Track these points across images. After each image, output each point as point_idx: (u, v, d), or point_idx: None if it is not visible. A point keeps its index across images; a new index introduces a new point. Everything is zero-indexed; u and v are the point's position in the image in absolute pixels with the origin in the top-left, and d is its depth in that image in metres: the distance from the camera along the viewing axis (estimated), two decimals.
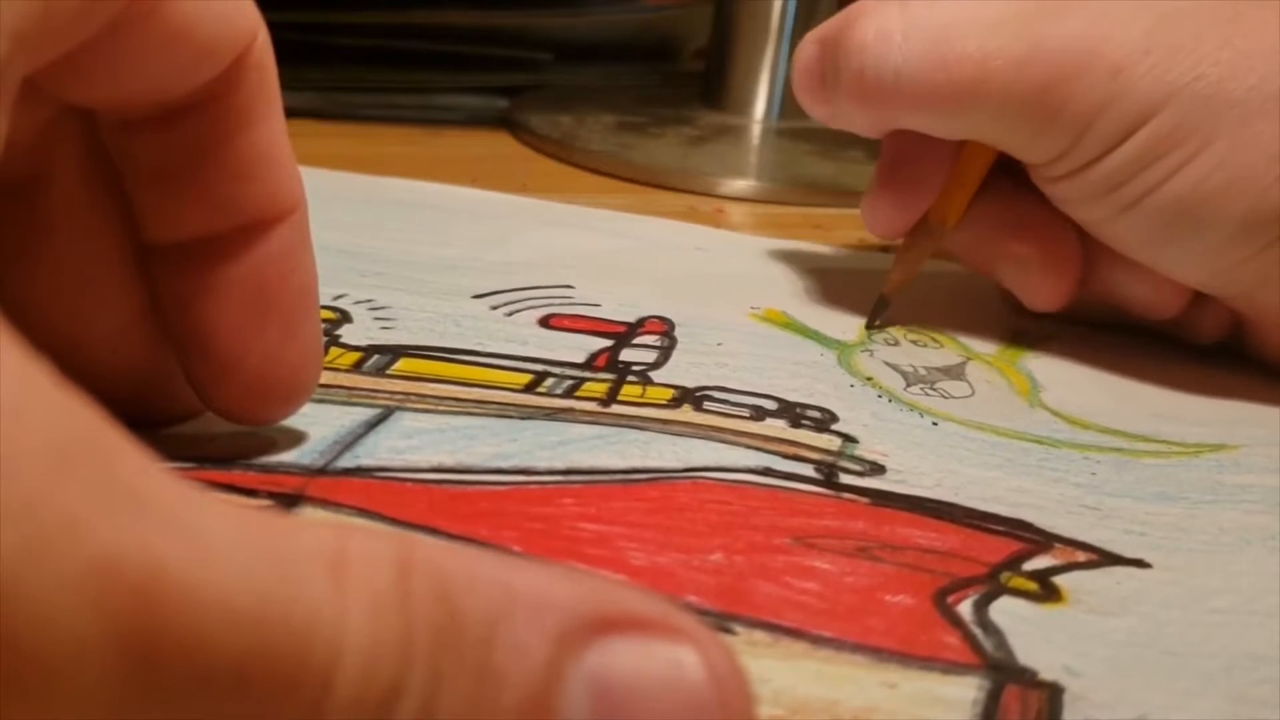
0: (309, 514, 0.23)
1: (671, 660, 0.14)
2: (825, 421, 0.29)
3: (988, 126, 0.33)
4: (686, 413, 0.29)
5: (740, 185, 0.48)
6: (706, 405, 0.29)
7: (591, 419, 0.28)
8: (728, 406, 0.29)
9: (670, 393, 0.30)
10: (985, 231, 0.36)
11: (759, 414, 0.29)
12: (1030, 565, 0.24)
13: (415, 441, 0.26)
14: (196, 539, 0.12)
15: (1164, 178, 0.32)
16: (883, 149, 0.36)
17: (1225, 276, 0.33)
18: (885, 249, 0.43)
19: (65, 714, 0.12)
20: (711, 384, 0.30)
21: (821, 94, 0.35)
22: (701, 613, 0.22)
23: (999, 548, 0.25)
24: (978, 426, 0.30)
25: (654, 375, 0.31)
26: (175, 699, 0.12)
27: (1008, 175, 0.36)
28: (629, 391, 0.30)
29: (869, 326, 0.36)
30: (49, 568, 0.11)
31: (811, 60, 0.35)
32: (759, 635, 0.21)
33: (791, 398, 0.30)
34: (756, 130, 0.55)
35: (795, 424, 0.29)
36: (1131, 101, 0.31)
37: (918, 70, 0.33)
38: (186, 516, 0.12)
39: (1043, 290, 0.35)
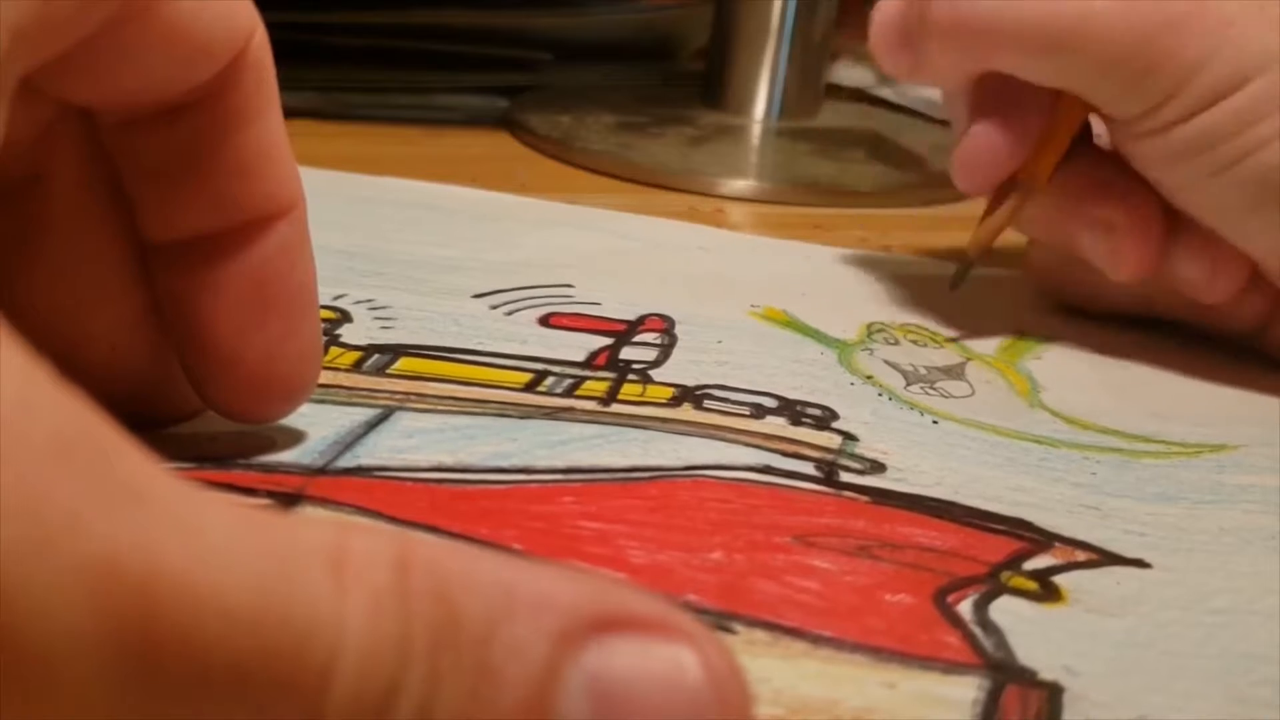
0: (309, 513, 0.23)
1: (670, 660, 0.14)
2: (825, 419, 0.29)
3: (1085, 73, 0.32)
4: (687, 411, 0.29)
5: (740, 185, 0.48)
6: (707, 403, 0.29)
7: (592, 418, 0.28)
8: (728, 405, 0.29)
9: (670, 391, 0.30)
10: (1069, 196, 0.35)
11: (759, 412, 0.29)
12: (1030, 565, 0.24)
13: (415, 441, 0.26)
14: (196, 537, 0.12)
15: (1260, 143, 0.31)
16: (974, 95, 0.35)
17: None
18: (887, 248, 0.43)
19: (63, 710, 0.12)
20: (712, 382, 0.30)
21: (903, 42, 0.35)
22: (701, 611, 0.22)
23: (999, 547, 0.25)
24: (978, 426, 0.30)
25: (654, 374, 0.31)
26: (173, 696, 0.12)
27: (1085, 143, 0.35)
28: (629, 390, 0.30)
29: (952, 287, 0.35)
30: (48, 564, 0.11)
31: (893, 13, 0.35)
32: (759, 634, 0.21)
33: (792, 395, 0.30)
34: (756, 130, 0.55)
35: (795, 422, 0.29)
36: (1238, 56, 0.30)
37: (1018, 8, 0.32)
38: (186, 514, 0.12)
39: (1129, 257, 0.34)
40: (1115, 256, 0.35)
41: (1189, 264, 0.34)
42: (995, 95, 0.35)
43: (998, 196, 0.35)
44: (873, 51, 0.36)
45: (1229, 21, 0.30)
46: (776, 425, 0.29)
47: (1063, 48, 0.32)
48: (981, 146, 0.35)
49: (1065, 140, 0.35)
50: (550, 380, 0.30)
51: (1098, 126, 0.36)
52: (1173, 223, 0.34)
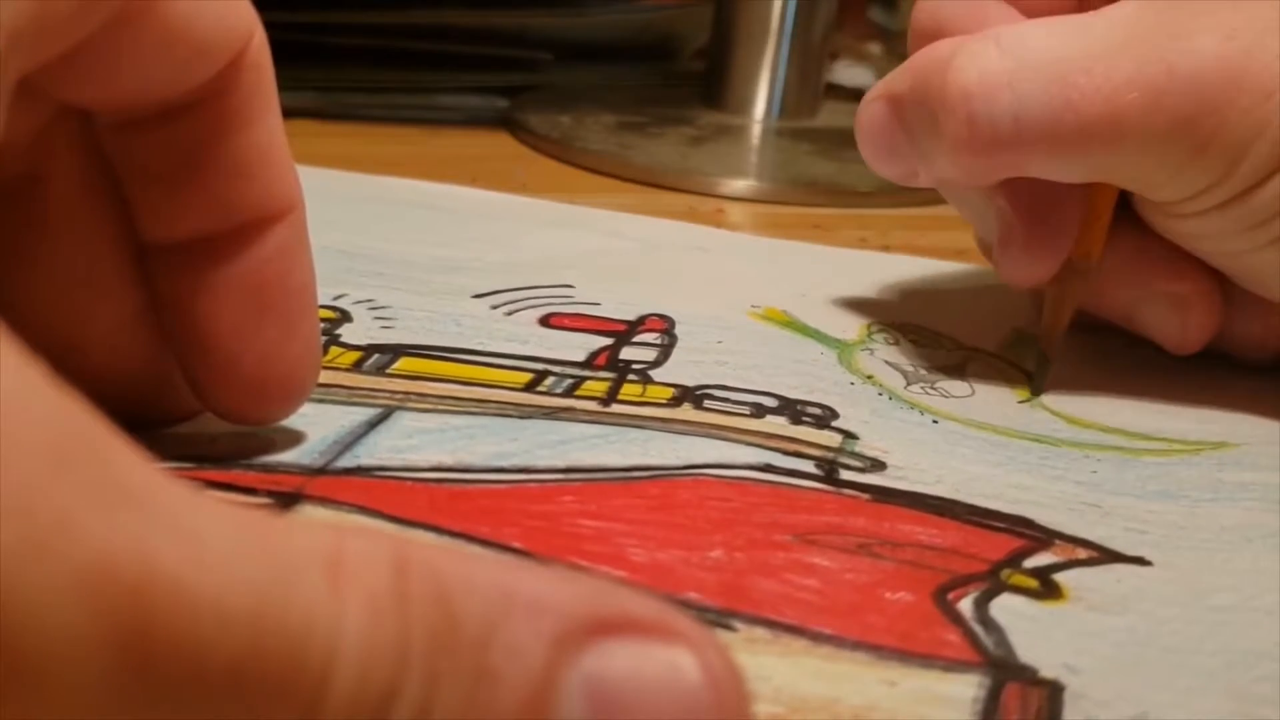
0: (309, 512, 0.23)
1: (668, 663, 0.14)
2: (825, 418, 0.29)
3: (1122, 166, 0.30)
4: (687, 411, 0.29)
5: (740, 185, 0.48)
6: (707, 403, 0.29)
7: (592, 418, 0.28)
8: (728, 404, 0.29)
9: (670, 391, 0.30)
10: (1127, 271, 0.33)
11: (759, 411, 0.29)
12: (1031, 562, 0.24)
13: (415, 441, 0.26)
14: (192, 539, 0.12)
15: None
16: (1006, 195, 0.33)
17: None
18: (886, 248, 0.43)
19: (59, 714, 0.12)
20: (712, 382, 0.30)
21: (908, 151, 0.32)
22: (702, 610, 0.22)
23: (1000, 545, 0.25)
24: (978, 425, 0.30)
25: (654, 374, 0.31)
26: (170, 699, 0.12)
27: (1125, 207, 0.33)
28: (629, 390, 0.30)
29: (1035, 394, 0.33)
30: (44, 567, 0.11)
31: (881, 120, 0.33)
32: (759, 632, 0.21)
33: (792, 395, 0.30)
34: (756, 130, 0.55)
35: (795, 421, 0.29)
36: None
37: (1041, 113, 0.29)
38: (182, 516, 0.12)
39: (1194, 329, 0.33)
40: (1181, 330, 0.33)
41: (1246, 324, 0.33)
42: (1024, 187, 0.32)
43: (1058, 281, 0.33)
44: (866, 159, 0.34)
45: (1268, 94, 0.28)
46: (777, 424, 0.29)
47: (1096, 148, 0.29)
48: (1027, 251, 0.33)
49: (1108, 214, 0.33)
50: (550, 380, 0.30)
51: None
52: (1152, 273, 0.33)
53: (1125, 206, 0.33)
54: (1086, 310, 0.35)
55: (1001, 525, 0.26)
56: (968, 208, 0.36)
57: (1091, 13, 0.30)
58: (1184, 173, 0.29)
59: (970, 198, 0.35)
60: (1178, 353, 0.33)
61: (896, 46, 0.69)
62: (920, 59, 0.32)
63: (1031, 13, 0.32)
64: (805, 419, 0.29)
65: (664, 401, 0.29)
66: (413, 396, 0.28)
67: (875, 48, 0.71)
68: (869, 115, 0.33)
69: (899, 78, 0.32)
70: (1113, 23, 0.30)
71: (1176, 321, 0.33)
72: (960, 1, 0.33)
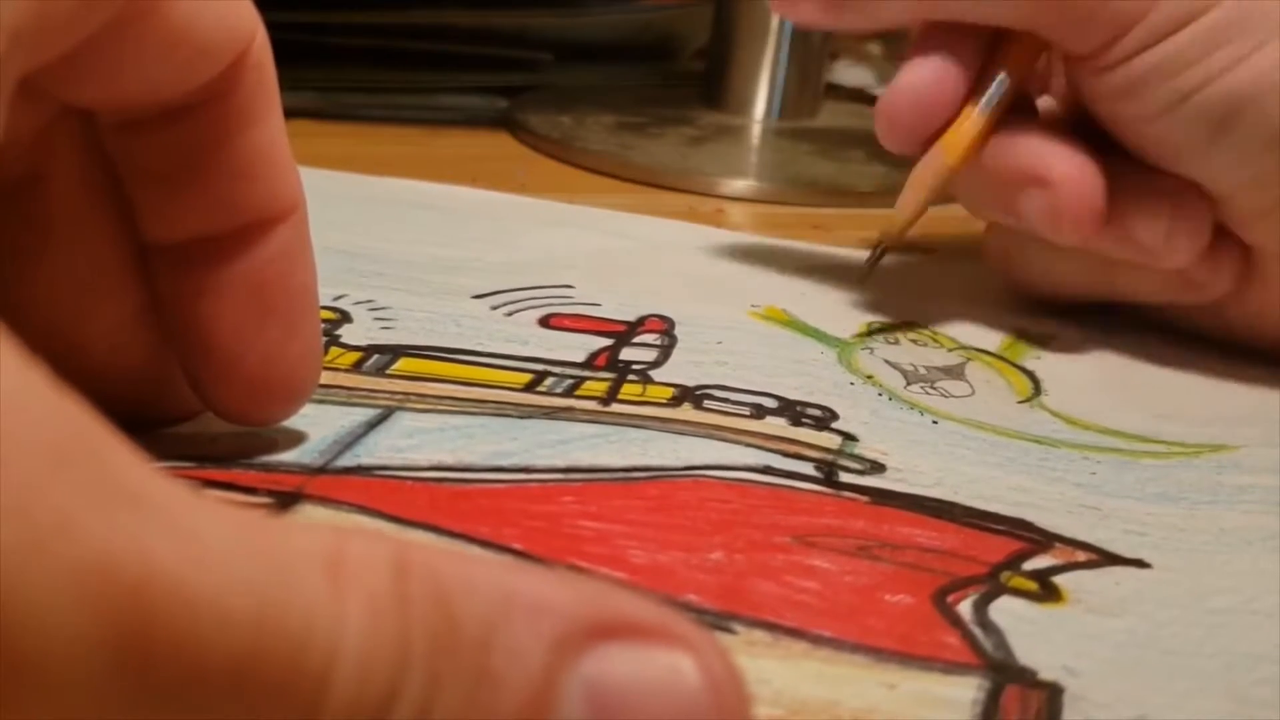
0: (309, 512, 0.23)
1: (668, 666, 0.14)
2: (825, 420, 0.29)
3: (1039, 9, 0.32)
4: (687, 411, 0.29)
5: (740, 185, 0.48)
6: (707, 404, 0.29)
7: (592, 418, 0.28)
8: (728, 405, 0.29)
9: (670, 391, 0.30)
10: (1003, 163, 0.34)
11: (759, 412, 0.29)
12: (1030, 565, 0.24)
13: (415, 441, 0.26)
14: (192, 540, 0.12)
15: (1220, 70, 0.31)
16: (913, 46, 0.35)
17: (1266, 184, 0.32)
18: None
19: (59, 713, 0.12)
20: (712, 382, 0.30)
21: None
22: (701, 612, 0.22)
23: (999, 547, 0.25)
24: (978, 426, 0.30)
25: (654, 374, 0.31)
26: (170, 700, 0.12)
27: (1023, 116, 0.35)
28: (629, 390, 0.30)
29: (862, 280, 0.34)
30: (43, 567, 0.11)
31: None
32: (759, 635, 0.21)
33: (792, 396, 0.30)
34: (756, 130, 0.55)
35: (795, 422, 0.29)
36: None
37: None
38: (182, 517, 0.12)
39: (1070, 212, 0.33)
40: (1056, 215, 0.33)
41: (1145, 226, 0.34)
42: (929, 42, 0.34)
43: (923, 164, 0.34)
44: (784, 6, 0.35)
45: None
46: (776, 426, 0.29)
47: None
48: (906, 99, 0.34)
49: (989, 118, 0.34)
50: (550, 380, 0.30)
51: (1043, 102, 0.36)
52: (1125, 186, 0.33)
53: (1026, 109, 0.34)
54: (981, 216, 0.37)
55: (1001, 528, 0.26)
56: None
57: None
58: (1092, 20, 0.31)
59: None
60: (1058, 240, 0.34)
61: (896, 47, 0.69)
62: None
63: None
64: (805, 420, 0.29)
65: (664, 402, 0.29)
66: (412, 397, 0.28)
67: (875, 48, 0.71)
68: None
69: None
70: None
71: (1047, 204, 0.33)
72: None
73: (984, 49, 0.34)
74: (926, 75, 0.34)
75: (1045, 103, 0.37)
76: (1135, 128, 0.33)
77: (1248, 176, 0.32)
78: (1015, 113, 0.34)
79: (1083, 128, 0.34)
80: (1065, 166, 0.33)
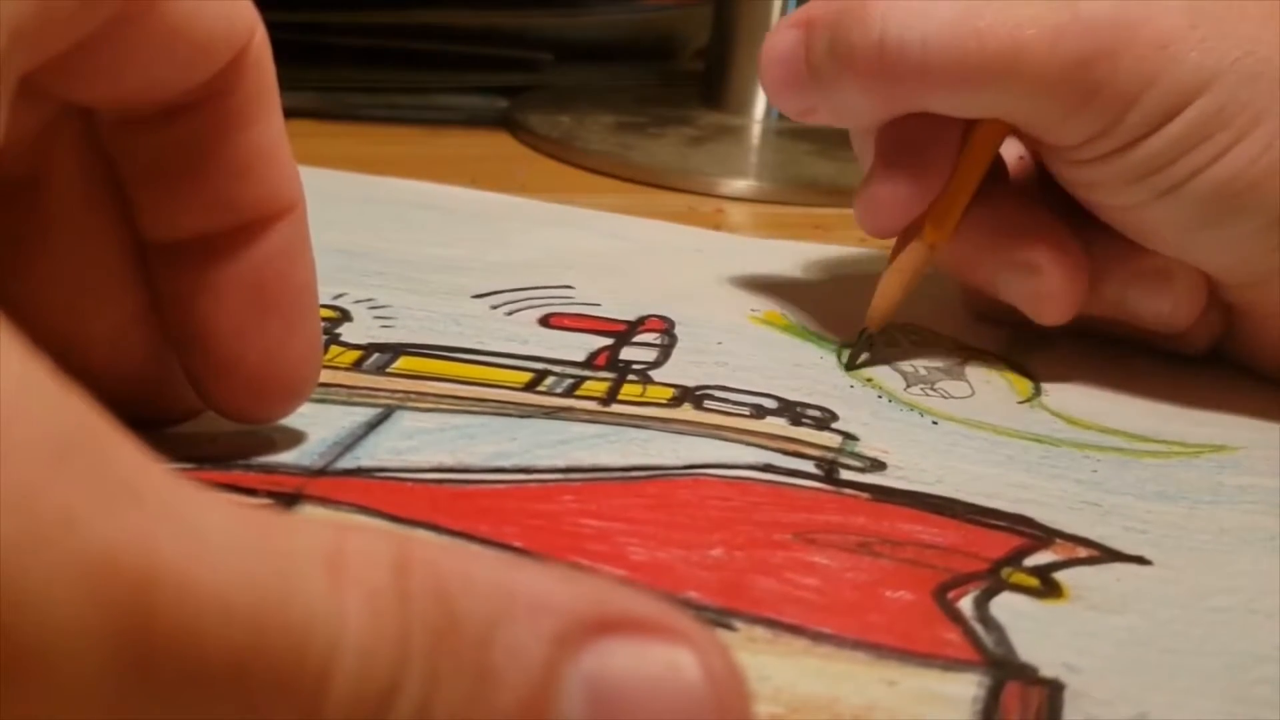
0: (308, 512, 0.23)
1: (668, 662, 0.14)
2: (825, 420, 0.29)
3: (1019, 103, 0.30)
4: (687, 411, 0.29)
5: (740, 185, 0.48)
6: (707, 404, 0.29)
7: (591, 418, 0.28)
8: (728, 405, 0.29)
9: (670, 392, 0.30)
10: (983, 239, 0.33)
11: (759, 412, 0.29)
12: (1031, 561, 0.24)
13: (415, 442, 0.26)
14: (194, 535, 0.12)
15: (1210, 160, 0.30)
16: (882, 136, 0.33)
17: (1255, 264, 0.31)
18: (887, 248, 0.43)
19: (62, 708, 0.12)
20: (712, 383, 0.30)
21: (810, 81, 0.32)
22: (701, 608, 0.22)
23: (1000, 543, 0.25)
24: (978, 426, 0.30)
25: (654, 374, 0.31)
26: (172, 694, 0.12)
27: (996, 181, 0.34)
28: (629, 390, 0.30)
29: (849, 368, 0.33)
30: (46, 561, 0.11)
31: (790, 46, 0.32)
32: (759, 631, 0.21)
33: (792, 397, 0.30)
34: (756, 130, 0.55)
35: (795, 422, 0.29)
36: (1178, 78, 0.29)
37: (949, 40, 0.30)
38: (184, 512, 0.12)
39: (1053, 300, 0.33)
40: (1039, 300, 0.33)
41: (1150, 298, 0.33)
42: (901, 132, 0.33)
43: (903, 248, 0.33)
44: (764, 88, 0.34)
45: (1163, 44, 0.29)
46: (777, 425, 0.29)
47: (995, 81, 0.30)
48: (883, 192, 0.32)
49: (975, 179, 0.33)
50: (550, 380, 0.30)
51: (1012, 150, 0.35)
52: (1114, 257, 0.33)
53: (993, 179, 0.33)
54: (967, 289, 0.35)
55: (1002, 524, 0.26)
56: (864, 158, 0.35)
57: None
58: (1076, 116, 0.30)
59: (863, 143, 0.35)
60: (1040, 322, 0.33)
61: None
62: None
63: None
64: (805, 420, 0.29)
65: (664, 402, 0.29)
66: (413, 396, 0.28)
67: None
68: (776, 42, 0.33)
69: (814, 5, 0.32)
70: None
71: (1030, 289, 0.33)
72: None
73: (959, 133, 0.33)
74: (899, 166, 0.32)
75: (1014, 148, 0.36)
76: (1118, 215, 0.32)
77: (1238, 261, 0.31)
78: (994, 180, 0.33)
79: (1056, 190, 0.33)
80: (1050, 252, 0.32)
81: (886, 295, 0.33)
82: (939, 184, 0.33)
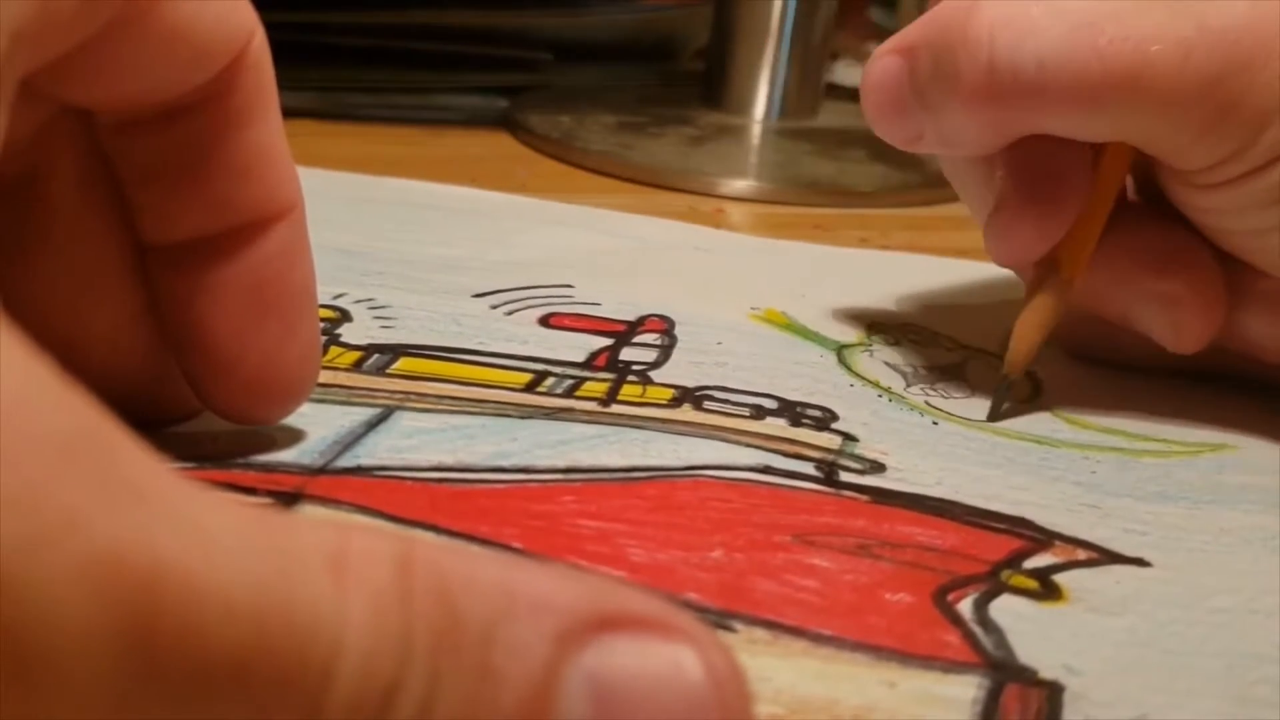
0: (309, 512, 0.23)
1: (670, 660, 0.14)
2: (825, 420, 0.29)
3: (1145, 124, 0.28)
4: (687, 412, 0.29)
5: (740, 185, 0.48)
6: (707, 404, 0.29)
7: (591, 418, 0.28)
8: (728, 406, 0.29)
9: (670, 392, 0.30)
10: (1117, 269, 0.31)
11: (759, 413, 0.29)
12: (1031, 563, 0.24)
13: (415, 441, 0.26)
14: (198, 534, 0.12)
15: None
16: (1011, 162, 0.31)
17: None
18: (886, 248, 0.43)
19: (67, 706, 0.12)
20: (712, 383, 0.30)
21: (915, 107, 0.30)
22: (701, 610, 0.22)
23: (999, 546, 0.25)
24: (978, 426, 0.30)
25: (654, 375, 0.31)
26: (176, 692, 0.12)
27: (1128, 203, 0.32)
28: (629, 391, 0.30)
29: (992, 419, 0.31)
30: (51, 561, 0.11)
31: (890, 73, 0.31)
32: (759, 633, 0.21)
33: (792, 397, 0.30)
34: (756, 130, 0.55)
35: (795, 423, 0.29)
36: None
37: (1066, 58, 0.27)
38: (188, 512, 0.12)
39: (1193, 329, 0.31)
40: (1178, 330, 0.31)
41: (1262, 326, 0.31)
42: (1031, 158, 0.31)
43: (1035, 287, 0.31)
44: (867, 117, 0.32)
45: None
46: (776, 426, 0.29)
47: (1120, 101, 0.28)
48: (1020, 222, 0.31)
49: (1106, 207, 0.31)
50: (550, 381, 0.30)
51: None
52: (1238, 281, 0.31)
53: (1119, 206, 0.32)
54: (1088, 317, 0.33)
55: (1001, 526, 0.26)
56: (969, 186, 0.34)
57: None
58: (1207, 137, 0.28)
59: (973, 174, 0.33)
60: (1177, 351, 0.32)
61: None
62: (941, 7, 0.30)
63: None
64: (805, 421, 0.29)
65: (664, 402, 0.29)
66: (412, 396, 0.28)
67: (875, 48, 0.71)
68: (878, 68, 0.31)
69: (914, 29, 0.31)
70: None
71: (1169, 320, 0.31)
72: None
73: (1090, 156, 0.31)
74: (1041, 197, 0.30)
75: None
76: (1240, 240, 0.30)
77: None
78: (1123, 206, 0.32)
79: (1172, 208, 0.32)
80: (1189, 281, 0.31)
81: (1027, 338, 0.31)
82: (1076, 208, 0.31)
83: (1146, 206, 0.32)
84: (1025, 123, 0.29)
